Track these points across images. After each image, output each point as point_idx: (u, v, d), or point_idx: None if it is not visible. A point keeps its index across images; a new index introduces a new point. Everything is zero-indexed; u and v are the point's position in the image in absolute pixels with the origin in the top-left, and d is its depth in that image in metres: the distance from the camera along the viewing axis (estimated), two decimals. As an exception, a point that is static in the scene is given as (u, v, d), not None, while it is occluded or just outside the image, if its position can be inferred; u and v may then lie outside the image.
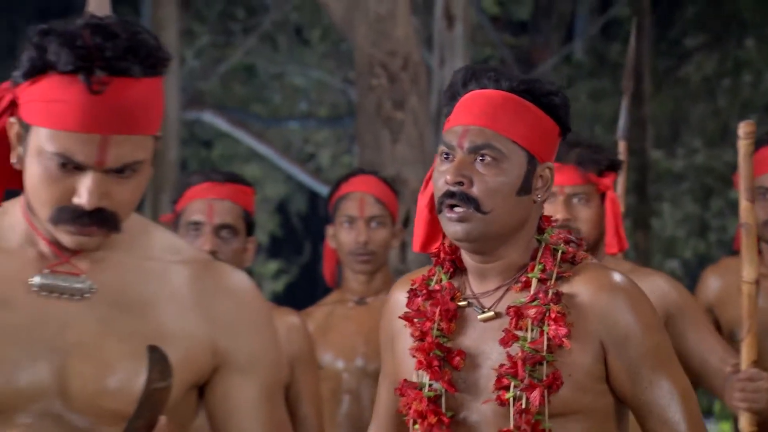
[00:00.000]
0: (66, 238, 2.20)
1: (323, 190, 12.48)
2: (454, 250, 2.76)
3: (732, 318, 4.22)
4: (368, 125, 7.30)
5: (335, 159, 15.43)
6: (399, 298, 2.78)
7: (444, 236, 2.76)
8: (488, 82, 2.68)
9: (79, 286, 2.23)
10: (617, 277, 2.66)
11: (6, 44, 16.51)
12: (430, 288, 2.73)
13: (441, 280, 2.74)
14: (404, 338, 2.74)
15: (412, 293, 2.74)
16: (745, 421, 3.78)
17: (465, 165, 2.63)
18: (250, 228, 4.04)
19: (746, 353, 3.76)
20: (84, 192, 2.15)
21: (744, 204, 3.72)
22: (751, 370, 3.76)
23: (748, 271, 3.74)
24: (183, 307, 2.28)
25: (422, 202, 2.78)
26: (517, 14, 14.90)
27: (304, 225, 16.11)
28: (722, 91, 15.39)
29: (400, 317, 2.75)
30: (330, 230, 4.62)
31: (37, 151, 2.16)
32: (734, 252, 4.35)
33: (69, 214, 2.17)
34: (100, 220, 2.18)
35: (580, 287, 2.63)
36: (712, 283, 4.34)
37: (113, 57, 2.11)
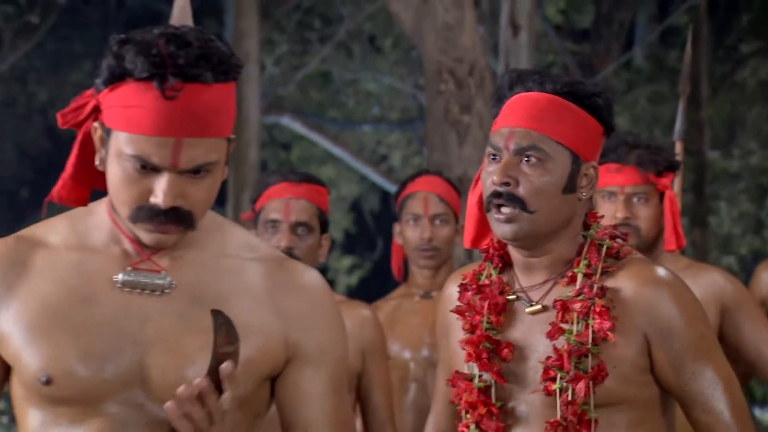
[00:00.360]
0: (145, 236, 2.21)
1: (394, 189, 12.47)
2: (503, 246, 2.74)
3: (788, 312, 4.19)
4: (436, 128, 7.30)
5: (406, 160, 15.41)
6: (452, 292, 2.76)
7: (493, 232, 2.75)
8: (533, 85, 2.65)
9: (159, 282, 2.24)
10: (661, 271, 2.63)
11: (100, 53, 16.67)
12: (480, 282, 2.71)
13: (490, 275, 2.72)
14: (457, 331, 2.72)
15: (463, 288, 2.72)
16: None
17: (511, 166, 2.60)
18: (324, 225, 4.05)
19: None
20: (160, 192, 2.16)
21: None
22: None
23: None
24: (257, 303, 2.28)
25: (472, 200, 2.76)
26: (579, 23, 14.83)
27: (376, 223, 16.11)
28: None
29: (451, 311, 2.74)
30: (397, 227, 4.62)
31: (117, 154, 2.17)
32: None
33: (147, 213, 2.17)
34: (176, 219, 2.19)
35: (624, 281, 2.60)
36: (765, 277, 4.31)
37: (186, 64, 2.12)
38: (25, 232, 2.32)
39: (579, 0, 14.59)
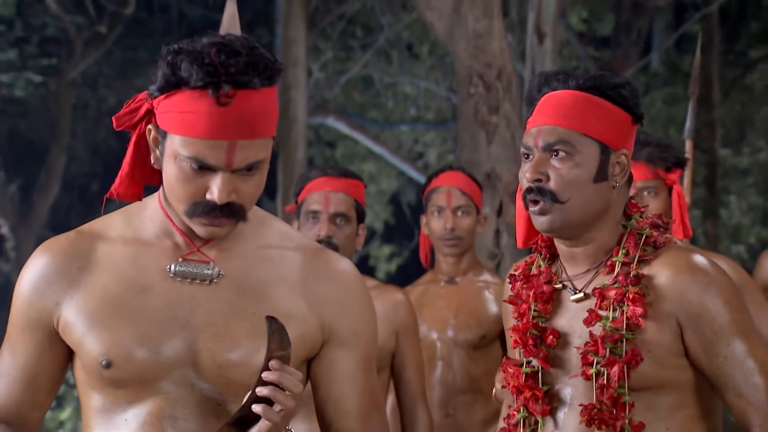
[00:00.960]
0: (200, 229, 2.21)
1: (431, 184, 12.43)
2: (550, 238, 2.71)
3: (786, 295, 4.16)
4: (467, 128, 7.29)
5: (441, 157, 15.39)
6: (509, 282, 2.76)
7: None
8: (558, 84, 2.59)
9: (208, 272, 2.25)
10: (696, 258, 2.54)
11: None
12: (531, 273, 2.68)
13: (540, 266, 2.67)
14: (511, 318, 2.70)
15: (513, 279, 2.69)
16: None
17: (541, 163, 2.55)
18: (360, 216, 4.05)
19: (802, 328, 3.71)
20: (215, 190, 2.16)
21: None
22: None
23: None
24: (296, 290, 2.28)
25: (520, 202, 2.71)
26: (600, 31, 14.76)
27: (413, 214, 16.08)
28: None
29: (504, 301, 2.71)
30: (423, 219, 4.64)
31: (173, 155, 2.17)
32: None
33: (203, 208, 2.18)
34: (230, 213, 2.19)
35: (660, 269, 2.53)
36: (767, 265, 4.27)
37: (236, 72, 2.12)
38: (85, 227, 2.33)
39: (600, 9, 14.52)
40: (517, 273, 2.69)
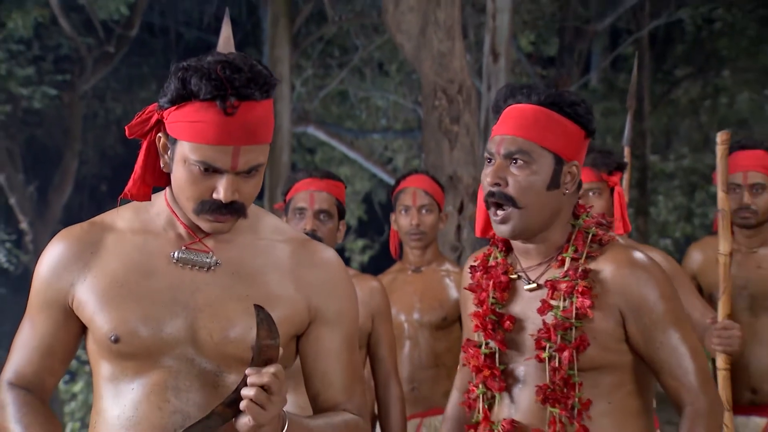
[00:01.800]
0: (206, 225, 2.20)
1: (398, 185, 12.44)
2: None
3: (710, 283, 4.16)
4: (432, 136, 7.28)
5: (407, 161, 15.39)
6: (468, 271, 2.74)
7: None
8: (522, 97, 2.57)
9: (207, 260, 2.23)
10: (637, 255, 2.54)
11: (163, 75, 16.66)
12: (489, 264, 2.66)
13: (497, 257, 2.67)
14: (470, 304, 2.69)
15: (473, 269, 2.68)
16: (721, 360, 3.74)
17: (502, 168, 2.53)
18: (341, 213, 4.03)
19: (722, 309, 3.72)
20: (221, 190, 2.15)
21: (720, 195, 3.66)
22: (726, 321, 3.72)
23: (723, 246, 3.69)
24: (285, 276, 2.26)
25: (481, 198, 2.70)
26: (546, 51, 14.79)
27: (384, 212, 16.10)
28: (704, 110, 15.20)
29: (464, 288, 2.69)
30: (393, 216, 4.63)
31: (183, 159, 2.16)
32: (713, 233, 4.29)
33: (210, 206, 2.17)
34: (233, 210, 2.18)
35: (604, 264, 2.52)
36: (695, 256, 4.27)
37: (240, 86, 2.11)
38: (97, 218, 2.32)
39: (546, 33, 14.55)
40: (476, 264, 2.68)
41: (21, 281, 14.26)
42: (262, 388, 2.05)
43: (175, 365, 2.18)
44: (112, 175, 17.94)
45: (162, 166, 2.22)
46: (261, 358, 2.09)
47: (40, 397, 2.27)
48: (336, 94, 14.76)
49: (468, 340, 2.64)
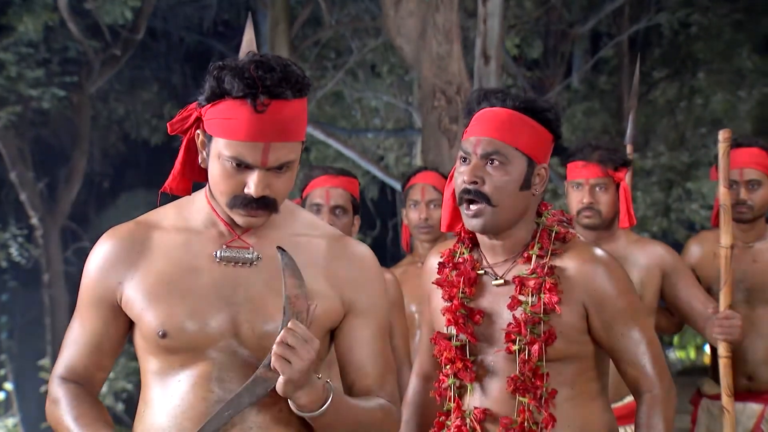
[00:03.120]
0: (239, 219, 2.19)
1: (390, 181, 12.45)
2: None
3: (708, 275, 4.15)
4: (431, 135, 7.26)
5: (398, 159, 15.36)
6: (433, 264, 2.74)
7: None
8: (496, 102, 2.58)
9: (249, 256, 2.23)
10: (597, 251, 2.58)
11: (165, 78, 16.58)
12: (456, 260, 2.67)
13: (463, 254, 2.67)
14: (437, 297, 2.68)
15: (441, 265, 2.68)
16: (722, 348, 3.73)
17: (478, 168, 2.54)
18: (356, 209, 4.02)
19: (723, 300, 3.71)
20: (252, 185, 2.14)
21: (722, 190, 3.65)
22: (727, 311, 3.71)
23: (724, 239, 3.68)
24: (321, 271, 2.26)
25: (447, 193, 2.70)
26: (530, 54, 14.76)
27: (375, 207, 16.08)
28: (680, 110, 15.20)
29: (433, 282, 2.69)
30: (403, 212, 4.61)
31: (217, 155, 2.15)
32: (710, 227, 4.28)
33: (242, 201, 2.16)
34: (264, 205, 2.17)
35: (569, 261, 2.55)
36: (694, 250, 4.26)
37: (272, 85, 2.10)
38: (142, 218, 2.31)
39: (530, 37, 14.52)
40: (443, 260, 2.68)
41: (31, 275, 14.19)
42: (286, 343, 2.05)
43: (219, 357, 2.17)
44: (114, 173, 17.86)
45: (201, 162, 2.22)
46: (292, 311, 2.09)
47: (90, 391, 2.26)
48: (332, 95, 14.72)
49: (438, 333, 2.65)
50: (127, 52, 11.73)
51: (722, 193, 3.63)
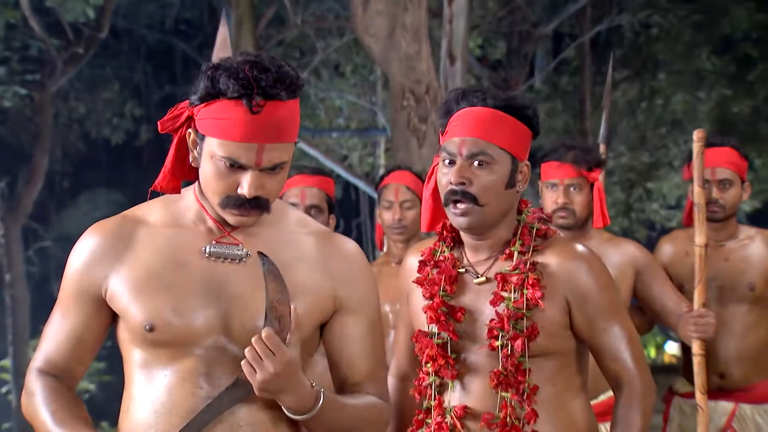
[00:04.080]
0: (231, 218, 2.18)
1: (354, 181, 12.44)
2: (454, 229, 2.69)
3: (680, 274, 4.18)
4: (401, 134, 7.26)
5: (362, 159, 15.37)
6: (413, 262, 2.73)
7: (446, 217, 2.69)
8: (477, 101, 2.56)
9: (238, 252, 2.21)
10: (579, 248, 2.59)
11: (126, 77, 16.46)
12: (437, 258, 2.67)
13: (444, 252, 2.67)
14: (417, 295, 2.67)
15: (422, 263, 2.68)
16: (696, 346, 3.76)
17: (464, 169, 2.53)
18: (331, 208, 4.00)
19: (698, 298, 3.74)
20: (245, 185, 2.13)
21: (697, 189, 3.67)
22: (701, 309, 3.73)
23: (699, 238, 3.71)
24: (311, 268, 2.25)
25: (427, 193, 2.71)
26: (493, 55, 14.80)
27: (339, 207, 16.09)
28: (641, 110, 15.30)
29: (413, 281, 2.69)
30: (377, 211, 4.60)
31: (210, 155, 2.14)
32: (684, 226, 4.31)
33: (234, 201, 2.15)
34: (257, 205, 2.16)
35: (551, 257, 2.56)
36: (665, 249, 4.29)
37: (267, 86, 2.08)
38: (128, 212, 2.28)
39: (493, 38, 14.57)
40: (424, 258, 2.68)
41: (-8, 274, 14.04)
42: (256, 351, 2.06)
43: (207, 353, 2.16)
44: (74, 172, 17.72)
45: (191, 161, 2.20)
46: (273, 314, 2.09)
47: (68, 385, 2.24)
48: (295, 94, 14.69)
49: (419, 331, 2.64)
50: (90, 50, 11.62)
51: (697, 193, 3.66)
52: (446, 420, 2.58)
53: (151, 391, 2.17)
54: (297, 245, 2.26)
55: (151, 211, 2.27)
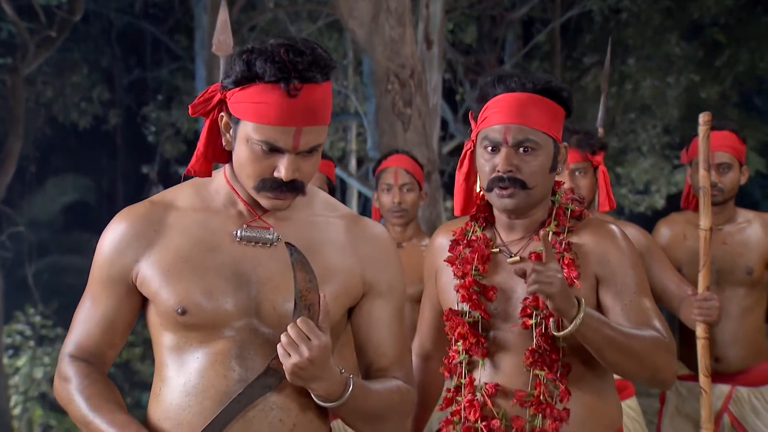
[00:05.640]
0: (266, 202, 2.17)
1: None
2: (486, 209, 2.69)
3: (678, 257, 4.19)
4: (386, 118, 7.22)
5: (333, 144, 15.29)
6: (442, 242, 2.73)
7: (479, 199, 2.68)
8: (515, 86, 2.55)
9: (269, 236, 2.20)
10: (612, 227, 2.60)
11: (94, 60, 16.27)
12: (469, 238, 2.66)
13: (476, 231, 2.67)
14: (447, 274, 2.68)
15: (455, 242, 2.68)
16: (700, 329, 3.75)
17: (512, 156, 2.54)
18: (331, 191, 3.97)
19: (702, 281, 3.73)
20: (282, 169, 2.12)
21: (702, 173, 3.66)
22: (706, 293, 3.73)
23: (704, 221, 3.70)
24: (340, 250, 2.24)
25: (460, 177, 2.70)
26: (464, 39, 14.77)
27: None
28: (610, 96, 15.35)
29: (445, 260, 2.68)
30: (375, 195, 4.57)
31: (246, 138, 2.12)
32: (680, 209, 4.31)
33: (271, 184, 2.14)
34: (293, 188, 2.15)
35: (585, 237, 2.56)
36: (663, 232, 4.29)
37: (303, 69, 2.07)
38: (156, 197, 2.27)
39: (464, 22, 14.54)
40: (457, 237, 2.68)
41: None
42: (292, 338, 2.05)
43: (239, 335, 2.15)
44: (40, 157, 17.51)
45: (224, 144, 2.19)
46: (303, 303, 2.08)
47: (100, 370, 2.23)
48: (269, 79, 14.58)
49: (450, 309, 2.64)
50: (63, 33, 11.47)
51: (702, 176, 3.65)
52: (477, 397, 2.58)
53: (183, 374, 2.16)
54: (326, 229, 2.25)
55: (181, 194, 2.26)
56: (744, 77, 14.80)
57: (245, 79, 2.10)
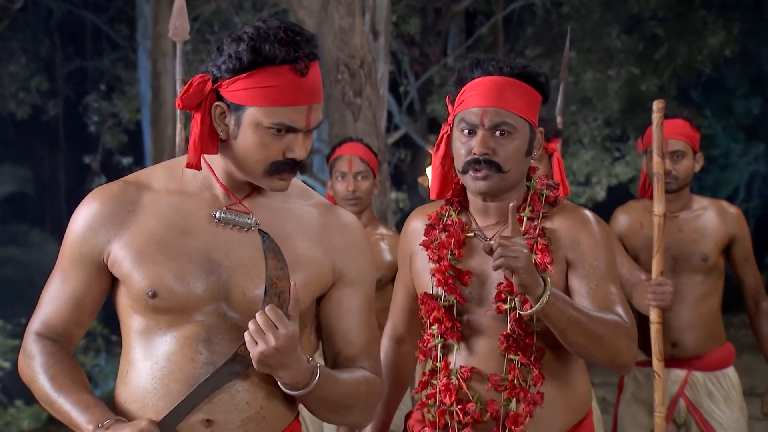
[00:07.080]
0: (273, 184, 2.17)
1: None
2: (461, 193, 2.68)
3: (635, 245, 4.22)
4: (336, 108, 7.18)
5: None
6: (416, 225, 2.72)
7: (454, 183, 2.68)
8: (493, 69, 2.55)
9: (248, 221, 2.19)
10: (586, 212, 2.61)
11: (33, 50, 16.01)
12: (444, 222, 2.65)
13: (451, 216, 2.66)
14: (421, 258, 2.67)
15: (430, 226, 2.67)
16: (654, 314, 3.78)
17: (488, 138, 2.54)
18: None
19: (656, 267, 3.76)
20: (296, 149, 2.13)
21: (656, 159, 3.69)
22: (660, 278, 3.76)
23: (657, 207, 3.73)
24: (312, 238, 2.23)
25: (436, 161, 2.69)
26: (407, 31, 14.76)
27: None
28: (552, 88, 15.40)
29: (420, 244, 2.67)
30: (329, 183, 4.54)
31: (255, 124, 2.10)
32: (638, 197, 4.34)
33: (283, 166, 2.14)
34: (300, 167, 2.17)
35: (558, 222, 2.57)
36: (621, 219, 4.32)
37: (307, 47, 2.09)
38: (130, 177, 2.24)
39: (407, 14, 14.53)
40: (432, 222, 2.68)
41: None
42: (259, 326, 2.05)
43: (208, 320, 2.13)
44: (-25, 147, 17.21)
45: (221, 133, 2.15)
46: (273, 291, 2.07)
47: (66, 349, 2.20)
48: (213, 70, 14.45)
49: (425, 293, 2.63)
50: (3, 22, 11.25)
51: (656, 162, 3.67)
52: (452, 381, 2.57)
53: (150, 357, 2.14)
54: (300, 216, 2.24)
55: (155, 176, 2.24)
56: (682, 70, 14.98)
57: (252, 65, 2.07)
